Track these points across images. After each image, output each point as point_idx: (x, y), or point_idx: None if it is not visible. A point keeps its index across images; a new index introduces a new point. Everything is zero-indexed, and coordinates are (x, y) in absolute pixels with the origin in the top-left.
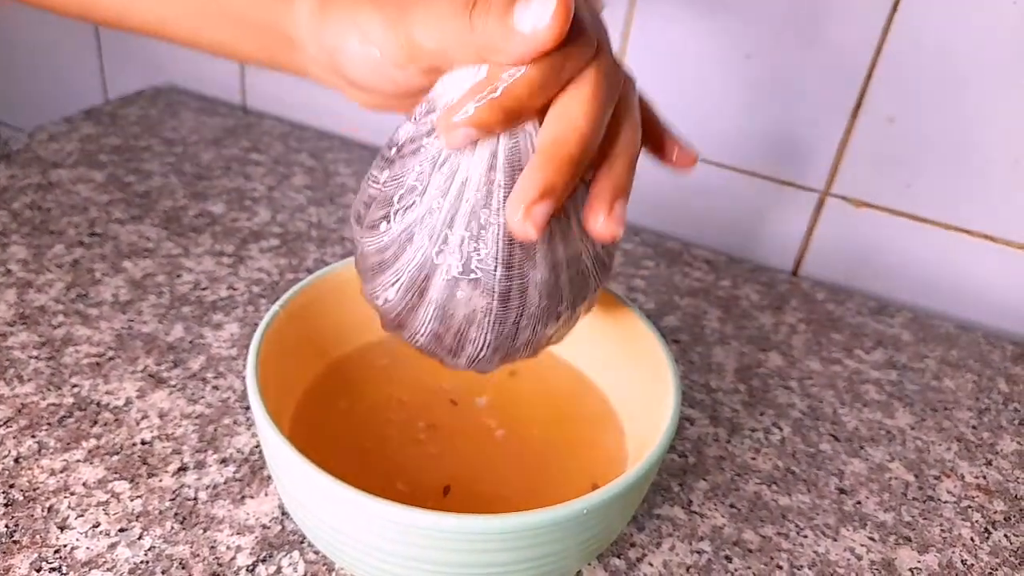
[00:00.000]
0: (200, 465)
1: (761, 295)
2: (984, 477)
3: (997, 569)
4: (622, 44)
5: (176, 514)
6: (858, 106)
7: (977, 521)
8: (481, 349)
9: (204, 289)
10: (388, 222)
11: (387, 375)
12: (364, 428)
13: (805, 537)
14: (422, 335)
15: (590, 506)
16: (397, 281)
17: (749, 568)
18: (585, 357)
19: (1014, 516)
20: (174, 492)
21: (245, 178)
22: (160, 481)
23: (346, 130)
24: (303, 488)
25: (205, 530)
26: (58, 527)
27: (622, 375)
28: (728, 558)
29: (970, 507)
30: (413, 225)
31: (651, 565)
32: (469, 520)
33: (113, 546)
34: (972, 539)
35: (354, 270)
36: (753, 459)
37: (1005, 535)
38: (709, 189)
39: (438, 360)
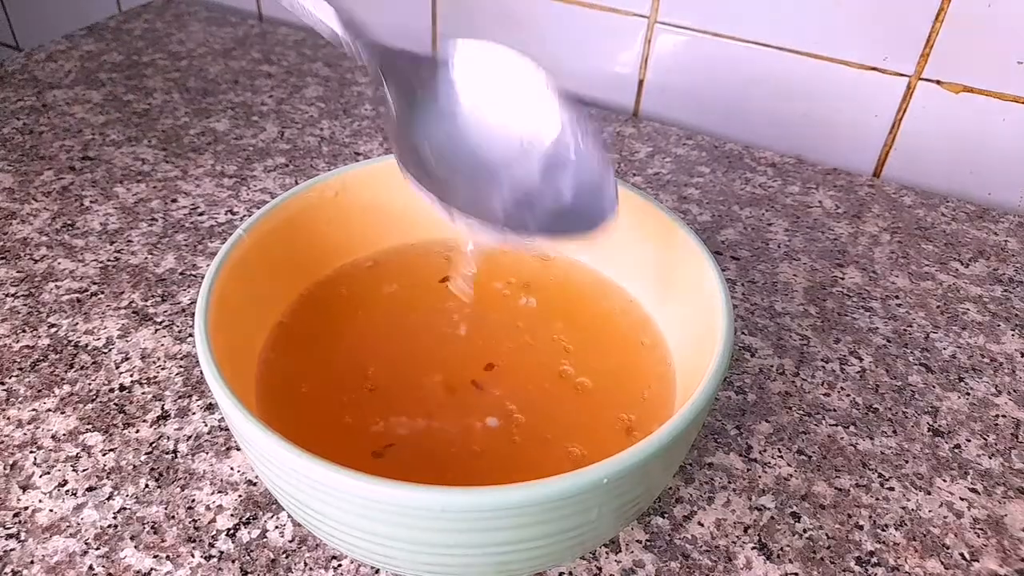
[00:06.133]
0: (183, 413)
1: (836, 201)
2: None
3: None
4: None
5: (152, 470)
6: None
7: None
8: None
9: (201, 214)
10: None
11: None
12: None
13: (891, 490)
14: None
15: (611, 473)
16: None
17: (821, 528)
18: (620, 269)
19: None
20: (151, 444)
21: (253, 92)
22: (137, 432)
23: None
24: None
25: (183, 488)
26: (20, 487)
27: (666, 294)
28: (795, 516)
29: None
30: None
31: (701, 525)
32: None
33: (79, 508)
34: None
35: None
36: (826, 395)
37: None
38: (773, 80)
39: None
